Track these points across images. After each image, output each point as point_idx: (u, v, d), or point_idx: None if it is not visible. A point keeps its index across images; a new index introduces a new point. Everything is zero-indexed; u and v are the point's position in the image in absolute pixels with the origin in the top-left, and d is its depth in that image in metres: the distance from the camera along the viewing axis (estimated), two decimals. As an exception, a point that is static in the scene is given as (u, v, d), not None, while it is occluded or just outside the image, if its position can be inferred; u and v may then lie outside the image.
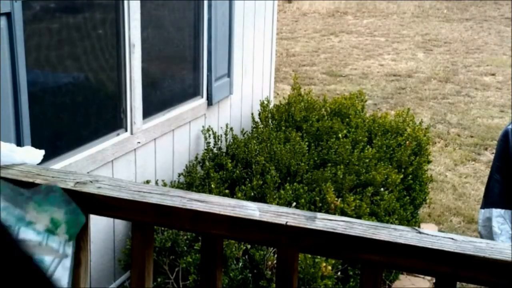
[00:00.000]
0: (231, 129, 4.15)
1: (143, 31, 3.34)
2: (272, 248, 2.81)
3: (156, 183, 3.57)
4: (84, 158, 2.90)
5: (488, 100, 8.51)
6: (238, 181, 3.52)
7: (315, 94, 5.71)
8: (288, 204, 3.19)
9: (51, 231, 1.28)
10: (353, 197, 3.32)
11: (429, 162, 4.42)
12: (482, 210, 2.86)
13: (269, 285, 2.79)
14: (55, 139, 2.86)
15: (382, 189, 3.64)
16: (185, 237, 2.96)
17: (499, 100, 8.49)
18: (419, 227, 3.69)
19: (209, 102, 4.16)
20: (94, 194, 1.34)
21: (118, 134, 3.22)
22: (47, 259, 1.26)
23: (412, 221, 3.80)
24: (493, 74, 9.96)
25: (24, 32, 2.41)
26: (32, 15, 2.62)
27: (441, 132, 7.14)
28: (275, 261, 2.71)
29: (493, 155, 3.06)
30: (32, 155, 1.48)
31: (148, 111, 3.47)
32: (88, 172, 2.87)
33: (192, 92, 4.07)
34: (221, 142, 4.02)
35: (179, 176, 3.75)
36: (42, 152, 1.51)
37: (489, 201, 2.85)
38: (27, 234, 1.25)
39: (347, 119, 4.41)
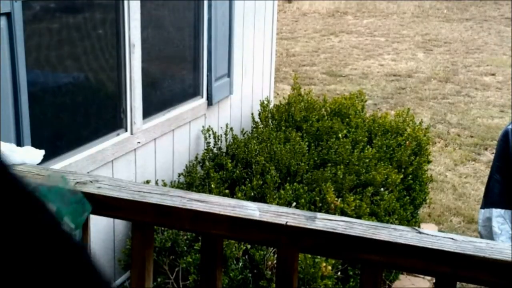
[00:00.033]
0: (231, 129, 4.15)
1: (143, 31, 3.34)
2: (272, 248, 2.81)
3: (156, 183, 3.57)
4: (84, 158, 2.91)
5: (488, 100, 8.51)
6: (238, 181, 3.52)
7: (315, 94, 5.71)
8: (288, 204, 3.19)
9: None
10: (353, 197, 3.32)
11: (429, 162, 4.42)
12: (482, 210, 2.86)
13: (269, 285, 2.79)
14: (55, 139, 2.86)
15: (382, 189, 3.64)
16: (185, 237, 2.96)
17: (499, 100, 8.48)
18: (419, 227, 3.69)
19: (209, 102, 4.16)
20: (94, 194, 1.34)
21: (118, 134, 3.22)
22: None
23: (412, 221, 3.80)
24: (493, 74, 9.96)
25: (24, 32, 2.41)
26: (32, 15, 2.62)
27: (441, 132, 7.14)
28: (275, 261, 2.71)
29: (493, 155, 3.06)
30: (32, 155, 1.48)
31: (148, 111, 3.47)
32: (88, 172, 2.87)
33: (192, 92, 4.07)
34: (221, 142, 4.02)
35: (179, 176, 3.75)
36: (42, 152, 1.51)
37: (489, 201, 2.85)
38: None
39: (347, 119, 4.41)
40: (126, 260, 3.09)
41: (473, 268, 1.16)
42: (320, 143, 4.00)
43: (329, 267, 2.81)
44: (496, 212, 2.77)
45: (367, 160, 3.78)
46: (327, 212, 3.16)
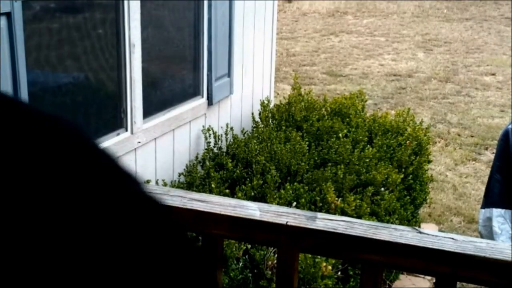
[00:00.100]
0: (231, 128, 4.15)
1: (143, 31, 3.34)
2: (272, 248, 2.81)
3: (157, 182, 3.57)
4: (84, 158, 2.90)
5: (488, 100, 8.51)
6: (239, 180, 3.52)
7: (315, 94, 5.71)
8: (289, 204, 3.19)
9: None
10: (354, 197, 3.32)
11: (429, 162, 4.42)
12: (483, 210, 2.86)
13: (269, 285, 2.79)
14: (55, 139, 2.86)
15: (382, 189, 3.64)
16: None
17: (499, 100, 8.48)
18: (419, 227, 3.69)
19: (209, 102, 4.16)
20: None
21: (118, 134, 3.22)
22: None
23: (412, 221, 3.80)
24: (493, 74, 9.96)
25: (24, 32, 2.41)
26: (32, 15, 2.62)
27: (442, 132, 7.14)
28: (275, 261, 2.71)
29: (494, 155, 3.06)
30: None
31: (149, 110, 3.47)
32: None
33: (192, 92, 4.07)
34: (221, 141, 4.02)
35: (179, 176, 3.75)
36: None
37: (489, 201, 2.85)
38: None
39: (347, 119, 4.41)
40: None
41: (473, 268, 1.16)
42: (320, 143, 4.00)
43: (329, 267, 2.81)
44: (496, 212, 2.77)
45: (367, 160, 3.78)
46: (327, 212, 3.16)
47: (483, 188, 3.12)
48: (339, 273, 3.07)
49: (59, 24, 2.83)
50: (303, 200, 3.21)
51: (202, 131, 4.04)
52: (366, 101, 4.99)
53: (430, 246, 1.17)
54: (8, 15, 2.33)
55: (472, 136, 7.01)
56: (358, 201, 3.31)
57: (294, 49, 11.89)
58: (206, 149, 3.93)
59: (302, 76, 9.30)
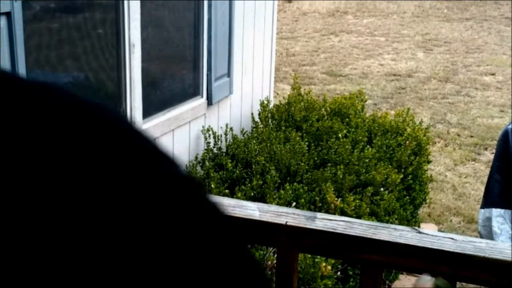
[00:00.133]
0: (231, 129, 4.15)
1: (143, 31, 3.34)
2: (271, 248, 2.81)
3: (156, 183, 3.56)
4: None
5: (488, 100, 8.51)
6: (238, 181, 3.52)
7: (315, 94, 5.71)
8: (288, 204, 3.19)
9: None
10: (353, 197, 3.32)
11: (429, 162, 4.42)
12: (482, 210, 2.86)
13: (269, 285, 2.78)
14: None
15: (382, 189, 3.64)
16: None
17: (499, 100, 8.49)
18: (419, 227, 3.69)
19: (209, 102, 4.16)
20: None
21: (118, 134, 3.21)
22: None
23: (412, 221, 3.80)
24: (493, 74, 9.96)
25: (24, 32, 2.41)
26: (32, 15, 2.62)
27: (441, 132, 7.14)
28: (274, 261, 2.71)
29: (493, 155, 3.06)
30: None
31: (148, 111, 3.47)
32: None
33: (192, 92, 4.07)
34: (221, 142, 4.02)
35: (179, 176, 3.75)
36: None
37: (489, 201, 2.85)
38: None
39: (347, 119, 4.41)
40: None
41: (473, 268, 1.16)
42: (320, 143, 4.00)
43: (329, 267, 2.81)
44: (496, 212, 2.77)
45: (367, 160, 3.78)
46: (327, 212, 3.16)
47: (483, 188, 3.13)
48: (339, 273, 3.07)
49: (59, 24, 2.83)
50: (302, 200, 3.21)
51: (201, 131, 4.04)
52: (365, 101, 4.99)
53: (430, 246, 1.17)
54: (8, 15, 2.33)
55: (471, 136, 7.01)
56: (357, 201, 3.31)
57: (294, 49, 11.89)
58: (205, 149, 3.94)
59: (302, 76, 9.30)
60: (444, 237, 1.21)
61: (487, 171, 3.91)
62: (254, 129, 4.32)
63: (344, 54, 11.44)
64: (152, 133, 3.53)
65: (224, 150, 3.99)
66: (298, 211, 1.32)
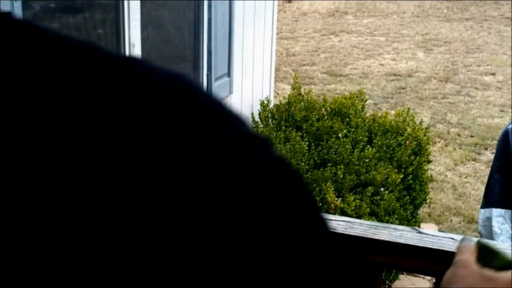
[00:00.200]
0: (231, 129, 4.14)
1: (143, 31, 3.34)
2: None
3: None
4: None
5: (488, 100, 8.51)
6: (238, 181, 3.52)
7: (315, 94, 5.71)
8: (288, 204, 3.18)
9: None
10: (353, 197, 3.32)
11: (429, 162, 4.42)
12: (482, 210, 2.86)
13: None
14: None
15: (382, 189, 3.64)
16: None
17: (499, 100, 8.49)
18: (419, 227, 3.69)
19: (209, 102, 4.16)
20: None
21: (118, 134, 3.22)
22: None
23: (412, 221, 3.80)
24: (493, 74, 9.96)
25: (24, 32, 2.41)
26: (32, 15, 2.62)
27: (441, 132, 7.14)
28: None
29: (493, 155, 3.06)
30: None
31: (148, 111, 3.47)
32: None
33: (192, 92, 4.07)
34: (221, 142, 4.02)
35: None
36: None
37: (489, 201, 2.85)
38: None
39: (347, 119, 4.41)
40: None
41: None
42: (320, 143, 4.00)
43: (329, 267, 2.81)
44: (496, 212, 2.77)
45: (367, 160, 3.78)
46: (327, 212, 3.16)
47: (483, 188, 3.12)
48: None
49: (59, 24, 2.83)
50: (303, 200, 3.21)
51: (202, 131, 4.04)
52: (366, 101, 4.99)
53: (430, 246, 1.17)
54: (8, 15, 2.32)
55: (472, 136, 7.01)
56: (357, 201, 3.31)
57: (294, 49, 11.89)
58: (206, 149, 3.93)
59: (302, 76, 9.31)
60: (444, 237, 1.21)
61: (487, 171, 3.91)
62: (254, 129, 4.32)
63: (344, 54, 11.44)
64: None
65: (224, 150, 3.99)
66: (298, 211, 1.32)
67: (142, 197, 0.30)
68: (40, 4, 2.68)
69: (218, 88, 4.19)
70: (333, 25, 14.43)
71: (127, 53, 3.21)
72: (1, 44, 0.36)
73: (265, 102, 4.56)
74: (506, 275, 0.62)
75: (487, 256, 0.65)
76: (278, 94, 7.84)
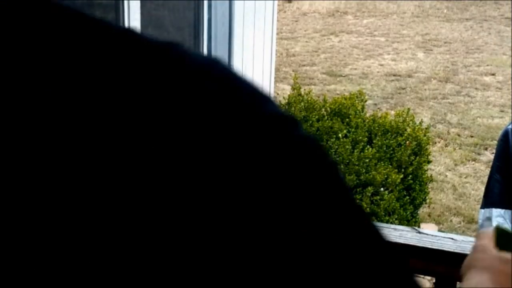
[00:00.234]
0: (231, 129, 4.14)
1: (143, 31, 3.33)
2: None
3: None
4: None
5: (488, 100, 8.52)
6: (238, 181, 3.52)
7: (315, 94, 5.70)
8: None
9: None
10: (353, 197, 3.32)
11: (429, 162, 4.42)
12: (482, 210, 2.86)
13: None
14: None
15: (382, 189, 3.64)
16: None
17: (499, 100, 8.49)
18: (419, 227, 3.69)
19: (209, 102, 4.16)
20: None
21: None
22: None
23: (412, 221, 3.80)
24: (493, 74, 9.96)
25: (24, 32, 2.41)
26: (32, 15, 2.62)
27: (441, 132, 7.15)
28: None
29: (493, 155, 3.06)
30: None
31: (148, 111, 3.47)
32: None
33: (192, 92, 4.07)
34: (221, 142, 4.02)
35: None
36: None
37: (489, 201, 2.85)
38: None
39: (347, 119, 4.41)
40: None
41: (473, 268, 1.16)
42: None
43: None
44: (496, 212, 2.77)
45: (367, 160, 3.78)
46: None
47: (483, 188, 3.12)
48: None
49: (59, 24, 2.83)
50: (303, 200, 3.21)
51: (202, 131, 4.04)
52: (365, 101, 5.00)
53: (430, 246, 1.17)
54: (8, 15, 2.32)
55: (472, 136, 7.01)
56: (357, 201, 3.31)
57: (294, 49, 11.90)
58: (206, 149, 3.93)
59: (302, 76, 9.31)
60: (444, 237, 1.21)
61: (487, 171, 3.92)
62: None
63: (344, 54, 11.44)
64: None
65: (224, 150, 3.99)
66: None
67: (176, 177, 0.31)
68: (40, 4, 2.69)
69: (218, 88, 4.20)
70: (333, 25, 14.44)
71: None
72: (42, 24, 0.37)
73: (265, 102, 4.56)
74: None
75: (505, 241, 0.68)
76: (278, 94, 7.84)
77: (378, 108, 7.91)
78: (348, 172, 3.61)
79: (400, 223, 3.49)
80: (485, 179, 3.14)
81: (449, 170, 6.05)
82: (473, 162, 6.27)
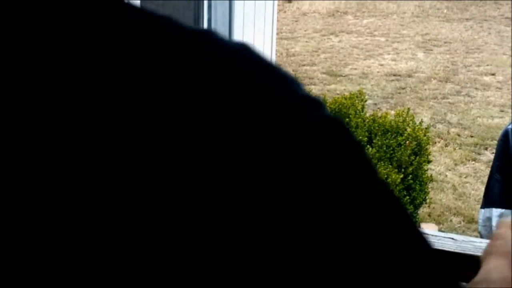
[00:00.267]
0: (231, 129, 4.14)
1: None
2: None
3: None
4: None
5: (488, 100, 8.52)
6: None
7: (315, 94, 5.70)
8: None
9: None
10: (353, 197, 3.32)
11: (429, 162, 4.42)
12: (482, 210, 2.86)
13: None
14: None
15: (382, 189, 3.64)
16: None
17: (499, 100, 8.49)
18: (419, 227, 3.69)
19: (209, 102, 4.16)
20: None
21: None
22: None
23: (412, 221, 3.80)
24: (493, 74, 9.96)
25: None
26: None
27: (441, 132, 7.15)
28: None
29: (493, 155, 3.06)
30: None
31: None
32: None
33: (192, 92, 4.07)
34: (221, 142, 4.02)
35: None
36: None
37: (489, 201, 2.85)
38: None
39: (347, 119, 4.41)
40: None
41: (473, 268, 1.16)
42: (320, 143, 3.99)
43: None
44: (496, 212, 2.77)
45: (367, 160, 3.78)
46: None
47: (483, 188, 3.12)
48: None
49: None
50: (303, 200, 3.21)
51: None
52: (366, 101, 5.00)
53: (430, 246, 1.17)
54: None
55: (472, 136, 7.01)
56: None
57: (294, 49, 11.90)
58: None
59: (302, 76, 9.31)
60: (444, 237, 1.21)
61: (487, 171, 3.92)
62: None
63: (344, 54, 11.44)
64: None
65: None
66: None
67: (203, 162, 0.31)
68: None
69: (218, 88, 4.20)
70: (333, 25, 14.43)
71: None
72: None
73: (265, 102, 4.56)
74: None
75: None
76: (278, 94, 7.82)
77: (378, 108, 7.91)
78: (348, 172, 3.61)
79: (400, 223, 3.48)
80: (485, 179, 3.14)
81: (449, 170, 6.05)
82: (473, 162, 6.27)
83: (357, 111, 4.60)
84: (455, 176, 5.90)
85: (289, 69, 10.19)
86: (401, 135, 4.30)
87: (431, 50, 11.84)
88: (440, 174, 5.89)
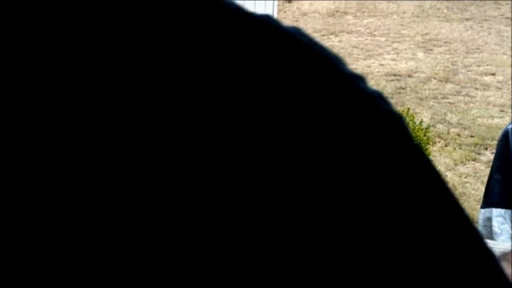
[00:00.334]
0: (231, 129, 4.15)
1: (143, 31, 3.34)
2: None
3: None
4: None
5: (488, 100, 8.52)
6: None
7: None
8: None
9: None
10: (353, 197, 3.32)
11: (429, 162, 4.42)
12: (482, 210, 2.86)
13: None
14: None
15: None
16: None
17: (499, 100, 8.49)
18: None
19: (209, 102, 4.17)
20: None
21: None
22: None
23: (412, 221, 3.81)
24: (493, 74, 9.97)
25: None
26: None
27: (441, 132, 7.15)
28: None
29: (493, 155, 3.07)
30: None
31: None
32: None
33: (192, 92, 4.08)
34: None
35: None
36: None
37: (489, 201, 2.85)
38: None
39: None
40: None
41: (473, 268, 1.16)
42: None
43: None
44: (496, 212, 2.77)
45: (367, 160, 3.79)
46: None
47: (483, 188, 3.13)
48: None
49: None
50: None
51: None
52: (366, 101, 4.99)
53: (430, 246, 1.17)
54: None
55: (472, 136, 7.01)
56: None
57: (294, 49, 11.89)
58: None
59: (302, 76, 9.30)
60: (444, 237, 1.21)
61: (487, 171, 3.92)
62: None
63: (344, 54, 11.45)
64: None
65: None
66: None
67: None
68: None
69: (218, 88, 4.20)
70: (333, 25, 14.44)
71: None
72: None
73: (265, 102, 4.57)
74: None
75: None
76: (278, 94, 7.84)
77: (378, 108, 7.90)
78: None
79: (400, 223, 3.49)
80: (485, 179, 3.14)
81: (449, 170, 6.05)
82: (473, 162, 6.27)
83: (357, 111, 4.60)
84: (455, 176, 5.90)
85: (289, 69, 10.20)
86: (401, 135, 4.31)
87: (431, 50, 11.84)
88: (440, 174, 5.90)
